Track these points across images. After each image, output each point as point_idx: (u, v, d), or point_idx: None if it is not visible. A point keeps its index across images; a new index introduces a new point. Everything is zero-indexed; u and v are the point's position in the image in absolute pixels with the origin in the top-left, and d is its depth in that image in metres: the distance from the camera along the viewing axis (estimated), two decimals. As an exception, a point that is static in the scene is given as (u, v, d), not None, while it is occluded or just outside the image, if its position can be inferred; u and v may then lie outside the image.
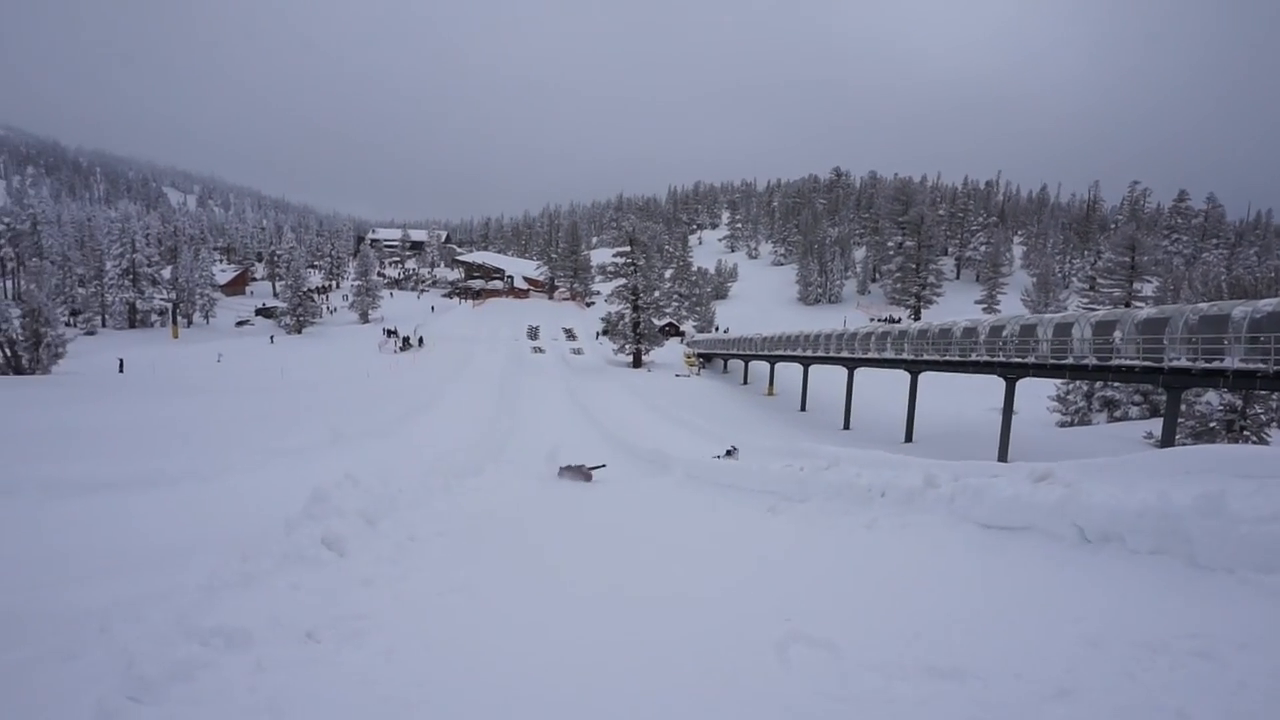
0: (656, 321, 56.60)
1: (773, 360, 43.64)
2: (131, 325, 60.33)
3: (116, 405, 18.96)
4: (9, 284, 62.60)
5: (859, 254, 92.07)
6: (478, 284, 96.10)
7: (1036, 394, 30.93)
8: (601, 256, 78.31)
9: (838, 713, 2.78)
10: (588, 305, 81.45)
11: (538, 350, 57.38)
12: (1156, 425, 23.00)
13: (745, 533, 6.95)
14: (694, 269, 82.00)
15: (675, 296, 71.06)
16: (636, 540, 7.02)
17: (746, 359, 48.86)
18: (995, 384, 24.64)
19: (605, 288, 61.43)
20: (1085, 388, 32.83)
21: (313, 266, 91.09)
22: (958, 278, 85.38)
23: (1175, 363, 17.38)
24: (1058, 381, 31.41)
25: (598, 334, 61.99)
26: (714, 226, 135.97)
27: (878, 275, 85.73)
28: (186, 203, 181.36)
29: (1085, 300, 52.32)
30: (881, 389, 34.06)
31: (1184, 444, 20.14)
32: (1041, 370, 22.05)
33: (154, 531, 6.82)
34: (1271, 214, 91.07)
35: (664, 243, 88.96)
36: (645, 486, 12.16)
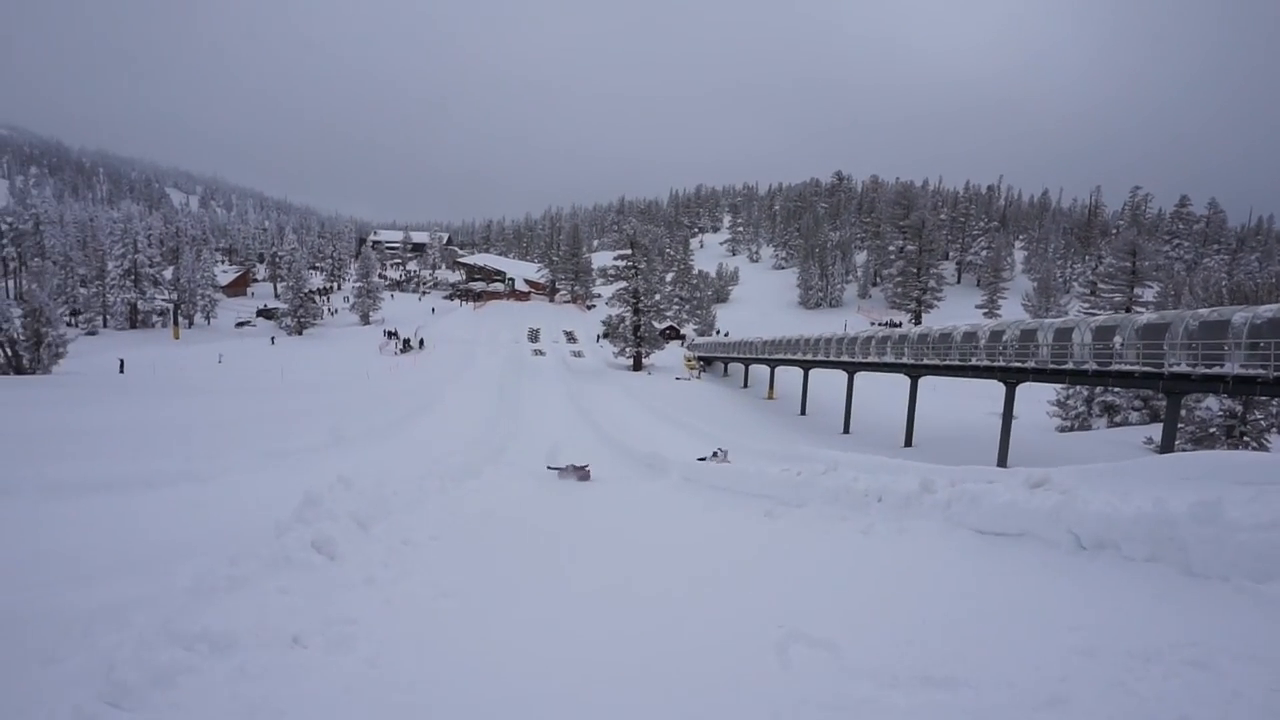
0: (657, 325, 56.58)
1: (773, 364, 43.60)
2: (133, 326, 60.41)
3: (116, 406, 18.94)
4: (11, 284, 62.72)
5: (860, 258, 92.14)
6: (479, 286, 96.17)
7: (1037, 399, 30.86)
8: (602, 259, 78.31)
9: (828, 721, 2.74)
10: (588, 308, 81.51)
11: (538, 353, 57.39)
12: (1157, 430, 22.93)
13: (742, 537, 6.92)
14: (695, 272, 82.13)
15: (676, 300, 71.02)
16: (631, 546, 6.99)
17: (747, 362, 48.84)
18: (995, 389, 24.58)
19: (606, 291, 61.49)
20: (1085, 393, 32.77)
21: (314, 268, 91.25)
22: (959, 282, 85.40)
23: (1175, 368, 17.33)
24: (1058, 386, 31.33)
25: (598, 337, 61.99)
26: (715, 230, 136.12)
27: (879, 279, 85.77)
28: (189, 203, 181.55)
29: (1086, 305, 52.23)
30: (882, 393, 34.01)
31: (1184, 449, 20.10)
32: (1042, 375, 21.99)
33: (148, 533, 6.78)
34: (1273, 219, 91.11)
35: (665, 246, 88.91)
36: (642, 490, 12.12)
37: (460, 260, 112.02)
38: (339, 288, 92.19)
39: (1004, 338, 23.47)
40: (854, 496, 6.95)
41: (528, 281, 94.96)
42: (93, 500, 7.60)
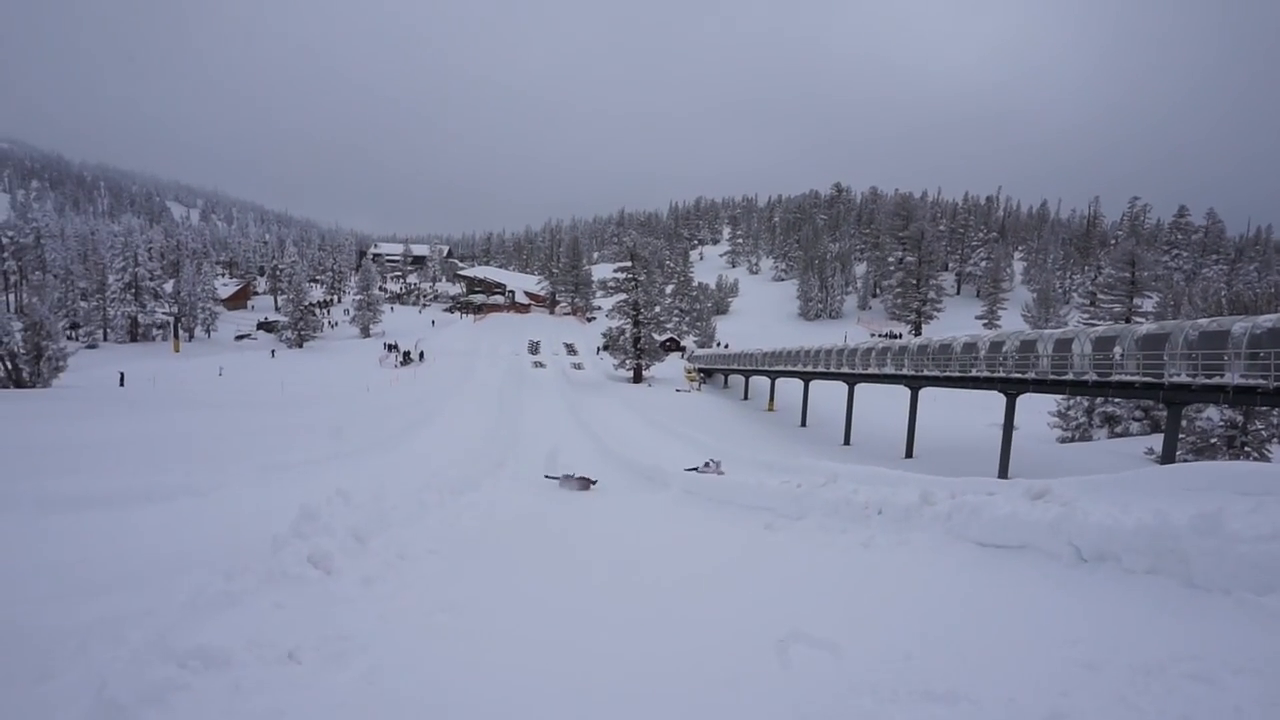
0: (657, 337, 56.59)
1: (773, 375, 43.59)
2: (133, 339, 60.47)
3: (116, 419, 18.93)
4: (11, 297, 62.81)
5: (860, 269, 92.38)
6: (479, 299, 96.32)
7: (1037, 409, 30.84)
8: (603, 271, 78.58)
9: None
10: (588, 320, 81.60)
11: (538, 365, 57.37)
12: (1157, 441, 22.89)
13: (741, 551, 6.87)
14: (695, 284, 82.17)
15: (676, 312, 71.14)
16: (629, 560, 6.93)
17: (747, 374, 48.83)
18: (996, 399, 24.56)
19: (606, 303, 61.53)
20: (1086, 403, 32.74)
21: (314, 281, 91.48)
22: (958, 293, 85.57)
23: (1175, 378, 17.33)
24: (1058, 397, 31.33)
25: (598, 349, 62.01)
26: (715, 242, 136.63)
27: (878, 291, 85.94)
28: (190, 217, 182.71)
29: (1085, 316, 52.28)
30: (882, 404, 33.99)
31: (1185, 460, 20.04)
32: (1042, 386, 21.98)
33: (146, 547, 6.75)
34: (1271, 230, 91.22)
35: (665, 258, 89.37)
36: (642, 502, 12.08)
37: (460, 273, 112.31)
38: (339, 300, 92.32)
39: (1004, 349, 23.49)
40: (854, 509, 6.93)
41: (528, 294, 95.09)
42: (91, 514, 7.56)
